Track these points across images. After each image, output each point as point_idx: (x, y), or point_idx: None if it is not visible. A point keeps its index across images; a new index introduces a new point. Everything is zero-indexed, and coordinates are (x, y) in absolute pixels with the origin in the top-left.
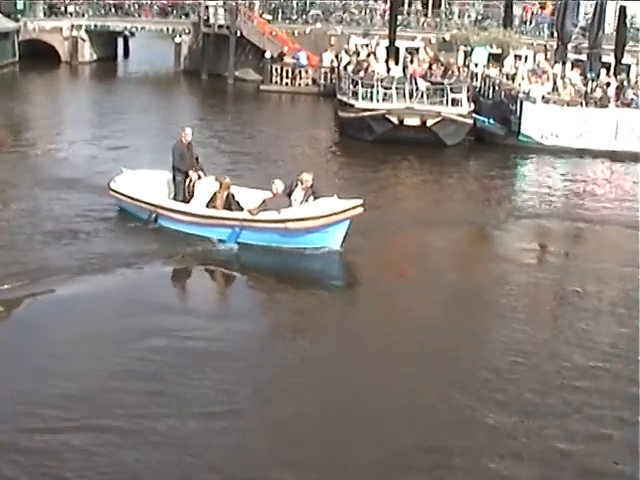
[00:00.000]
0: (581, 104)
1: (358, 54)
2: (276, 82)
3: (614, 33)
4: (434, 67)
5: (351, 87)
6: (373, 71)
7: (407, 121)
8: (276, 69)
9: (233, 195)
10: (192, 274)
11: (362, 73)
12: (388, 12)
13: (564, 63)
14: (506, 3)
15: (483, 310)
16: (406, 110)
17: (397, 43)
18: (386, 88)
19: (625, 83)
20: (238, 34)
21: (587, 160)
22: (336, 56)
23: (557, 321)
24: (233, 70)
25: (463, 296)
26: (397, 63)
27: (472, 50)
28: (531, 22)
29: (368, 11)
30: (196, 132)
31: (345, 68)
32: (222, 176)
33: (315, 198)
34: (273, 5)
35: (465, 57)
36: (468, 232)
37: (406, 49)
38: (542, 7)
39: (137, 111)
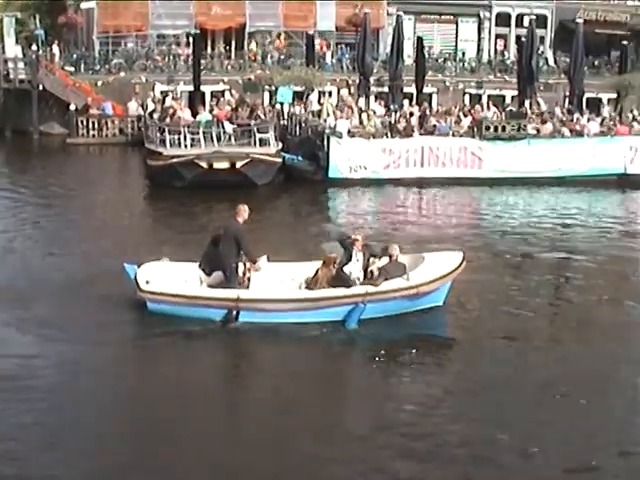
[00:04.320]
0: (386, 135)
1: (164, 101)
2: (83, 134)
3: (414, 64)
4: (240, 109)
5: (158, 135)
6: (179, 117)
7: (216, 165)
8: (82, 121)
9: (341, 269)
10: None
11: (168, 120)
12: (191, 57)
13: (367, 96)
14: (307, 42)
15: None
16: (215, 154)
17: (202, 87)
18: (193, 133)
19: (427, 112)
20: (40, 88)
21: (397, 189)
22: (142, 104)
23: None
24: (38, 125)
25: None
26: (204, 107)
27: (277, 89)
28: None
29: (171, 57)
30: None
31: (151, 116)
32: (326, 252)
33: (373, 256)
34: (75, 56)
35: (270, 97)
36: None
37: (212, 93)
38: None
39: None
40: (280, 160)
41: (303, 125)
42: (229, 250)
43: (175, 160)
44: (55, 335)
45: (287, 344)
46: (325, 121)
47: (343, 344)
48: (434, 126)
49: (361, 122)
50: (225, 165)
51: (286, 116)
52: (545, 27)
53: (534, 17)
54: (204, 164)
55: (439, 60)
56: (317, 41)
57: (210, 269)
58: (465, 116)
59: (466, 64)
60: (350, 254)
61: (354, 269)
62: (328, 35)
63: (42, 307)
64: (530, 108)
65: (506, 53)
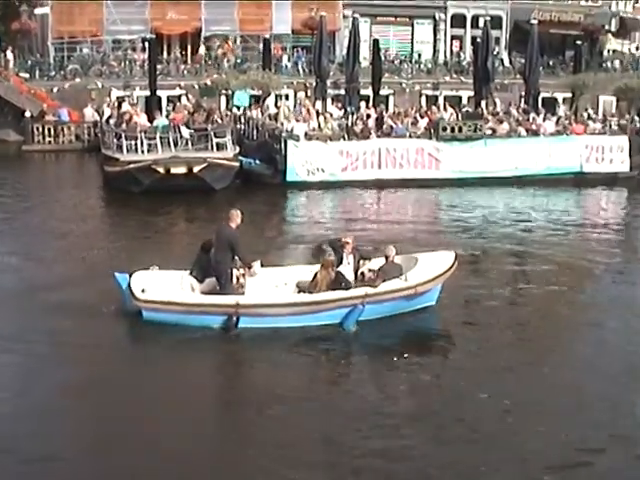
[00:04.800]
0: (343, 137)
1: (120, 106)
2: (39, 141)
3: (370, 66)
4: (197, 114)
5: (115, 141)
6: (136, 123)
7: (174, 170)
8: (37, 128)
9: (340, 272)
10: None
11: (124, 125)
12: (147, 62)
13: (324, 99)
14: (264, 46)
15: None
16: (172, 159)
17: (159, 92)
18: (150, 139)
19: (384, 114)
20: None
21: (355, 191)
22: (97, 110)
23: None
24: None
25: None
26: (160, 112)
27: (233, 93)
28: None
29: (127, 62)
30: None
31: (107, 122)
32: (323, 255)
33: (363, 258)
34: (29, 62)
35: (227, 101)
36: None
37: (168, 98)
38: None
39: None
40: (237, 164)
41: (260, 129)
42: (223, 256)
43: (132, 166)
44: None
45: (286, 348)
46: (282, 124)
47: (344, 346)
48: (391, 128)
49: (318, 125)
50: (182, 170)
51: (243, 120)
52: (500, 28)
53: (489, 18)
54: (161, 169)
55: (395, 62)
56: (273, 45)
57: (202, 276)
58: (422, 117)
59: (422, 66)
60: (341, 257)
61: (345, 271)
62: (284, 38)
63: None
64: (486, 108)
65: (462, 54)
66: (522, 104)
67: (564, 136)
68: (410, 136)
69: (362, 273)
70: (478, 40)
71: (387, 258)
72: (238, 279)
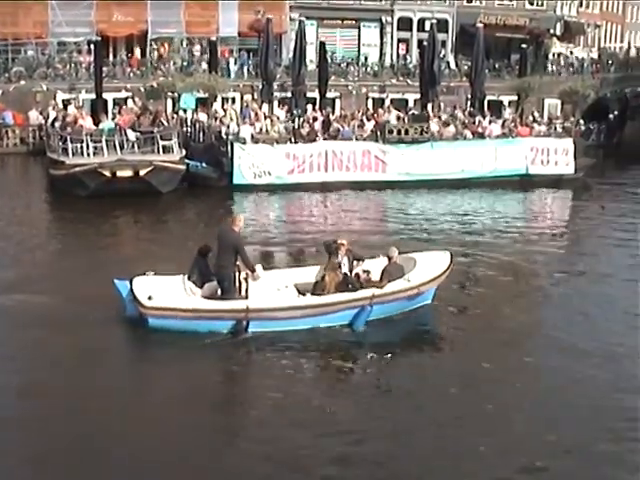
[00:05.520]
0: (290, 140)
1: (65, 109)
2: None
3: (316, 69)
4: (143, 116)
5: (60, 144)
6: (81, 126)
7: (120, 173)
8: None
9: (346, 274)
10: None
11: (70, 128)
12: (93, 64)
13: (271, 102)
14: (210, 48)
15: None
16: (118, 162)
17: (104, 95)
18: (96, 142)
19: (330, 116)
20: None
21: (301, 194)
22: (42, 113)
23: None
24: None
25: None
26: (106, 115)
27: (180, 96)
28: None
29: (73, 65)
30: None
31: (53, 125)
32: (333, 257)
33: (357, 260)
34: None
35: (173, 103)
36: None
37: (114, 100)
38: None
39: None
40: (184, 167)
41: (207, 132)
42: (227, 260)
43: (78, 169)
44: None
45: (296, 351)
46: (229, 127)
47: (353, 346)
48: (337, 130)
49: (265, 127)
50: (128, 173)
51: (189, 123)
52: (446, 31)
53: (435, 21)
54: (107, 172)
55: (342, 65)
56: (220, 47)
57: (202, 281)
58: (368, 120)
59: (369, 68)
60: (337, 258)
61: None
62: (231, 41)
63: None
64: (432, 111)
65: (408, 57)
66: (468, 107)
67: (510, 139)
68: (357, 139)
69: (357, 274)
70: (424, 43)
71: (390, 259)
72: (241, 283)
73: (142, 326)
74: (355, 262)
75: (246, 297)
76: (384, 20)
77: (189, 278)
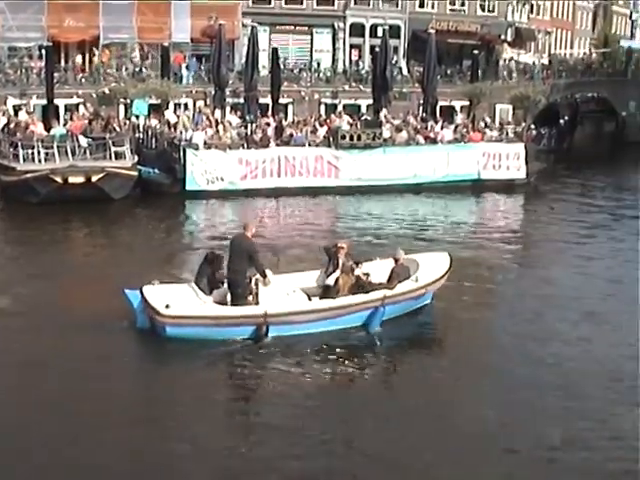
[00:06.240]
0: (243, 146)
1: (16, 115)
2: None
3: (269, 75)
4: (94, 122)
5: (11, 150)
6: (32, 131)
7: (72, 179)
8: None
9: (358, 276)
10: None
11: (21, 134)
12: (44, 70)
13: (223, 108)
14: (162, 54)
15: None
16: (69, 168)
17: (56, 101)
18: (47, 148)
19: (283, 122)
20: None
21: (254, 200)
22: None
23: None
24: None
25: None
26: (58, 121)
27: (132, 102)
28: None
29: (24, 70)
30: None
31: (3, 130)
32: (346, 260)
33: (356, 263)
34: None
35: (126, 109)
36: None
37: (65, 106)
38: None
39: None
40: (136, 173)
41: (159, 138)
42: (241, 265)
43: (29, 175)
44: None
45: (313, 355)
46: (181, 133)
47: (367, 349)
48: (290, 136)
49: (217, 133)
50: (80, 179)
51: (142, 129)
52: (399, 37)
53: (388, 27)
54: (59, 179)
55: (294, 71)
56: (172, 53)
57: (210, 288)
58: (321, 126)
59: (321, 74)
60: (337, 262)
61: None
62: (183, 47)
63: None
64: (385, 117)
65: (361, 63)
66: (420, 112)
67: (462, 144)
68: (309, 144)
69: (357, 277)
70: (377, 49)
71: (397, 261)
72: (252, 289)
73: (151, 335)
74: (353, 265)
75: (257, 302)
76: (336, 26)
77: (198, 285)
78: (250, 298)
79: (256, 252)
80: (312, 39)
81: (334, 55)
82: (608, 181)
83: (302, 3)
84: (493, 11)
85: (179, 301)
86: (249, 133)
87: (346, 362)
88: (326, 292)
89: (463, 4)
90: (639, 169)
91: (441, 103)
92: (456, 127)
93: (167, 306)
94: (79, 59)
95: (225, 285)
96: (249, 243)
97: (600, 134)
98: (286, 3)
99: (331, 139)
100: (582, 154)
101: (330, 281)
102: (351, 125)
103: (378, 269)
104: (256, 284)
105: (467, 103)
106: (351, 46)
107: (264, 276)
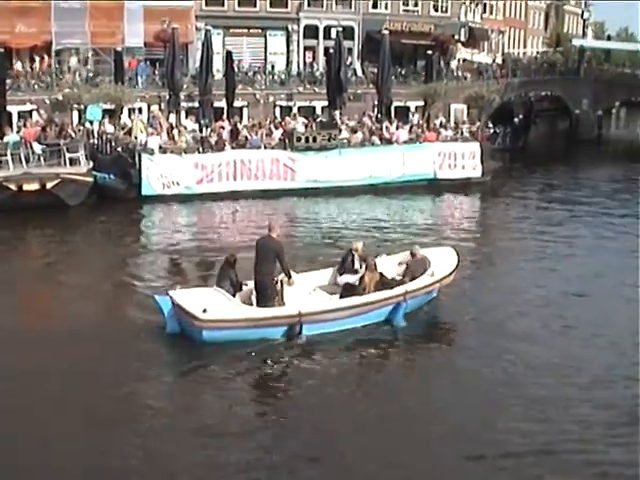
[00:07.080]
0: (198, 150)
1: None
2: None
3: (224, 78)
4: (48, 129)
5: None
6: None
7: (26, 186)
8: None
9: (382, 273)
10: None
11: None
12: None
13: (178, 112)
14: (115, 59)
15: None
16: (24, 175)
17: (8, 108)
18: (1, 155)
19: (238, 125)
20: None
21: (211, 204)
22: None
23: None
24: None
25: None
26: (10, 128)
27: (86, 108)
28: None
29: None
30: None
31: None
32: (369, 257)
33: (363, 260)
34: None
35: (80, 115)
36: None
37: (19, 113)
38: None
39: None
40: (92, 179)
41: (114, 143)
42: (268, 267)
43: None
44: None
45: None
46: (136, 138)
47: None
48: (246, 139)
49: (172, 138)
50: (35, 186)
51: (96, 134)
52: (352, 38)
53: (341, 29)
54: (13, 186)
55: (249, 73)
56: (126, 58)
57: (234, 291)
58: (276, 128)
59: (276, 77)
60: (352, 262)
61: (354, 276)
62: (137, 51)
63: None
64: (340, 118)
65: (315, 65)
66: (375, 113)
67: (417, 144)
68: (265, 147)
69: (381, 273)
70: (331, 51)
71: (414, 256)
72: (278, 290)
73: (178, 339)
74: (362, 263)
75: (283, 303)
76: (290, 28)
77: (221, 288)
78: (276, 299)
79: (283, 252)
80: (266, 42)
81: (288, 57)
82: (563, 178)
83: (255, 6)
84: (446, 11)
85: (212, 305)
86: (204, 137)
87: (378, 358)
88: (349, 290)
89: (416, 5)
90: (593, 166)
91: (396, 104)
92: (411, 127)
93: (204, 310)
94: (19, 66)
95: (245, 287)
96: (275, 243)
97: (554, 132)
98: (239, 6)
99: (287, 141)
100: (537, 152)
101: (352, 279)
102: (306, 127)
103: (388, 265)
104: (281, 285)
105: (422, 103)
106: (305, 48)
107: (289, 276)
